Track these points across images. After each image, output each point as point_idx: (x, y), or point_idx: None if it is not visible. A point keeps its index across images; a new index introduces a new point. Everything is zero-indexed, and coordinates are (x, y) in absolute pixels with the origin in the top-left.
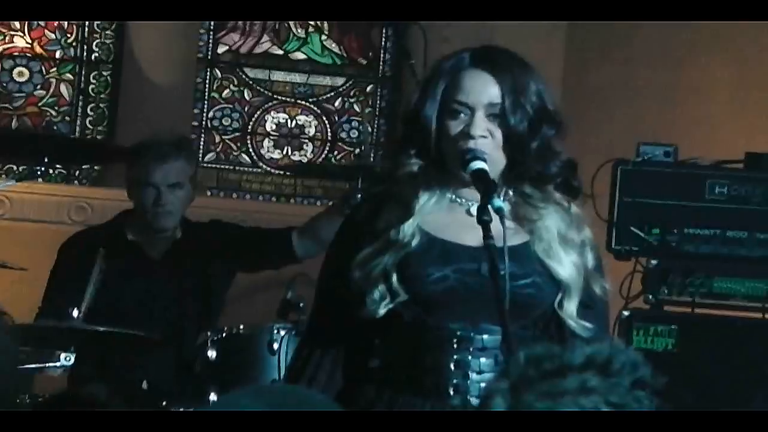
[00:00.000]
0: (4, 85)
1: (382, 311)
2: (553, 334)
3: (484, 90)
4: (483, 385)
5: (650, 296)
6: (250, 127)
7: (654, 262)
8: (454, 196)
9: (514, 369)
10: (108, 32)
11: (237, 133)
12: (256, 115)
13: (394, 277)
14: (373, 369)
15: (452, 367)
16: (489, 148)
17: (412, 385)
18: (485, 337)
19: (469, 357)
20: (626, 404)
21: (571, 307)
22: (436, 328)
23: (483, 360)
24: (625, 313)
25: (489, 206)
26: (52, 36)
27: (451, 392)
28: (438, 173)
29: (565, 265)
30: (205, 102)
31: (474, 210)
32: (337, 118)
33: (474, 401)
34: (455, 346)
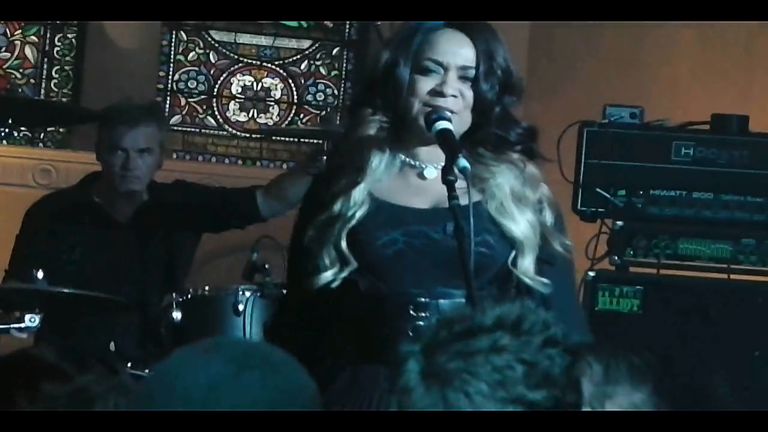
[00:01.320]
0: None
1: (334, 281)
2: (510, 293)
3: (459, 51)
4: None
5: (616, 258)
6: (215, 89)
7: (619, 223)
8: (406, 158)
9: (425, 332)
10: None
11: (203, 96)
12: (221, 78)
13: (344, 246)
14: (336, 340)
15: (411, 334)
16: (458, 108)
17: (374, 354)
18: (441, 301)
19: (428, 323)
20: (538, 362)
21: (525, 264)
22: (391, 295)
23: None
24: (591, 274)
25: (454, 166)
26: None
27: None
28: (395, 133)
29: (519, 223)
30: (171, 65)
31: (427, 173)
32: (303, 81)
33: None
34: (412, 312)
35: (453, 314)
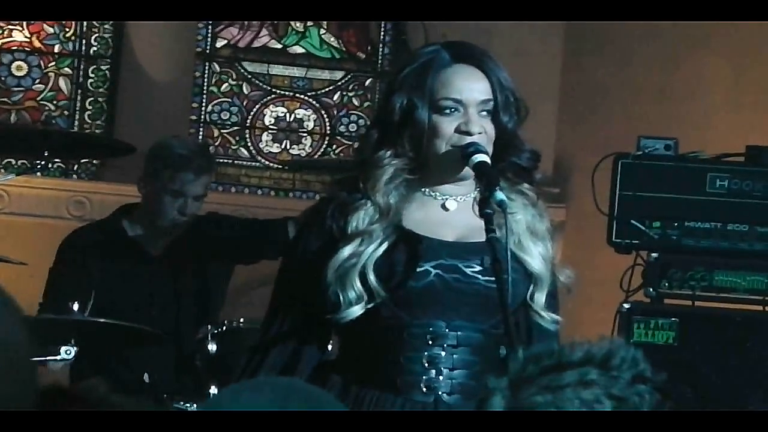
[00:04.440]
0: (3, 79)
1: (359, 312)
2: (520, 331)
3: (476, 86)
4: (455, 382)
5: (651, 290)
6: (248, 121)
7: (654, 255)
8: (427, 191)
9: (513, 366)
10: (106, 27)
11: (236, 128)
12: (254, 109)
13: (372, 277)
14: (341, 364)
15: (425, 363)
16: (484, 143)
17: (383, 381)
18: (459, 333)
19: (443, 353)
20: (627, 397)
21: (541, 300)
22: (410, 325)
23: (456, 357)
24: (626, 306)
25: (491, 200)
26: (51, 30)
27: (423, 389)
28: (414, 172)
29: (535, 258)
30: (204, 96)
31: (449, 204)
32: (335, 112)
33: (446, 398)
34: (429, 342)
35: (540, 349)
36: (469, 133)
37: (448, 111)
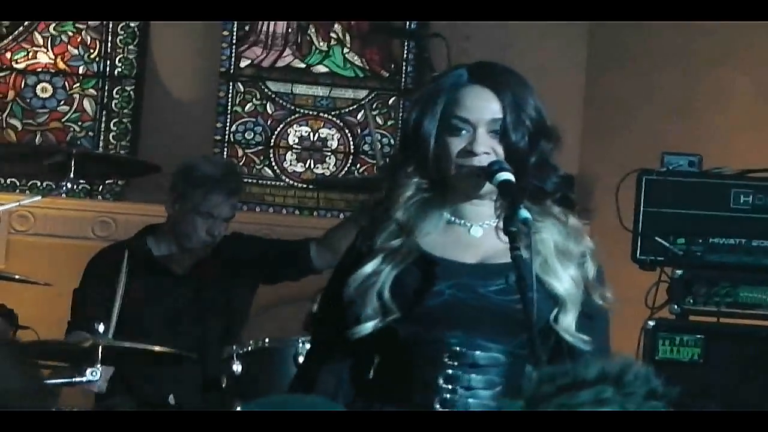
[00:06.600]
0: (28, 101)
1: (370, 329)
2: (553, 349)
3: (486, 106)
4: (472, 401)
5: (675, 306)
6: (272, 140)
7: (679, 272)
8: (452, 218)
9: (528, 387)
10: (130, 47)
11: (260, 147)
12: (278, 129)
13: (387, 296)
14: (367, 383)
15: (441, 382)
16: None
17: (401, 398)
18: (478, 353)
19: (460, 372)
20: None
21: (567, 321)
22: (429, 342)
23: (474, 376)
24: (651, 323)
25: (516, 218)
26: (75, 52)
27: (438, 407)
28: (436, 192)
29: (563, 280)
30: (228, 116)
31: (473, 231)
32: (359, 131)
33: None
34: (447, 360)
35: (555, 369)
36: (473, 153)
37: (456, 131)
